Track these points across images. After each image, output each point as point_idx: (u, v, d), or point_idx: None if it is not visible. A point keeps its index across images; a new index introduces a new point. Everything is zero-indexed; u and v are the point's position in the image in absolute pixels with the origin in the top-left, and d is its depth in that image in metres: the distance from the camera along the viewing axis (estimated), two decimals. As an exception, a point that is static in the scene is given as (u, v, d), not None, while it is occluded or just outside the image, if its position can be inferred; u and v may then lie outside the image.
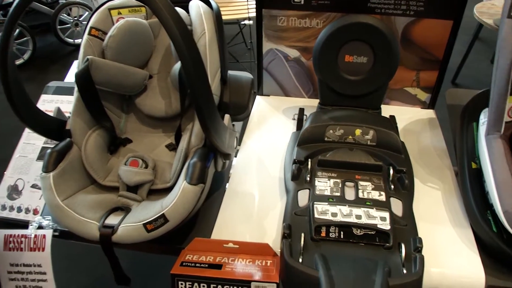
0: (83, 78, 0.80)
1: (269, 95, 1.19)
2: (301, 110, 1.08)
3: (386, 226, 0.74)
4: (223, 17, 2.26)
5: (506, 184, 0.73)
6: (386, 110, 1.09)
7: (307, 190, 0.82)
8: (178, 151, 0.80)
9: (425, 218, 0.84)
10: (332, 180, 0.83)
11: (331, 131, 0.91)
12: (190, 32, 0.60)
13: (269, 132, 1.06)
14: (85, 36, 0.84)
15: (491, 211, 0.77)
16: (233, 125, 0.90)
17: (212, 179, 0.84)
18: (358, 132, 0.91)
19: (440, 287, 0.76)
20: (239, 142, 1.02)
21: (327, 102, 1.00)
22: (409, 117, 1.11)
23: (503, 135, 0.78)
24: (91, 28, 0.85)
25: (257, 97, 1.18)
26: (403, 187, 0.83)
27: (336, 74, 0.96)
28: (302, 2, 1.01)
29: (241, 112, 0.87)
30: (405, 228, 0.76)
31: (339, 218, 0.75)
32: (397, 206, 0.80)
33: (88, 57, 0.80)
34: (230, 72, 0.90)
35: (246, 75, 0.90)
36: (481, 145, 0.81)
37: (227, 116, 0.81)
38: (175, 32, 0.58)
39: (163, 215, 0.70)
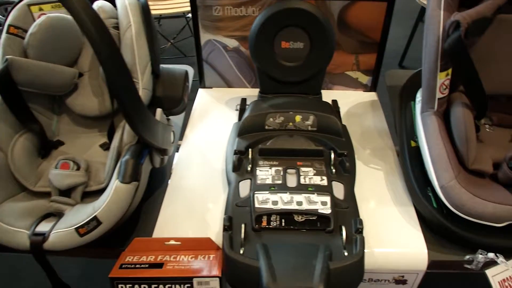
0: (3, 79, 0.75)
1: (211, 87, 1.17)
2: (243, 100, 1.06)
3: (326, 210, 0.73)
4: (167, 11, 2.23)
5: (441, 159, 0.74)
6: (329, 95, 1.09)
7: (249, 180, 0.81)
8: (111, 149, 0.76)
9: (369, 199, 0.84)
10: (273, 168, 0.82)
11: (271, 119, 0.90)
12: (106, 26, 0.57)
13: (212, 124, 1.04)
14: (3, 35, 0.79)
15: (431, 187, 0.78)
16: (168, 119, 0.87)
17: (150, 176, 0.81)
18: (298, 118, 0.90)
19: (384, 266, 0.76)
20: (181, 136, 1.00)
21: (267, 90, 0.99)
22: (352, 101, 1.11)
23: (437, 112, 0.79)
24: (9, 26, 0.80)
25: (199, 90, 1.16)
26: (344, 170, 0.83)
27: (273, 61, 0.94)
28: (244, -10, 0.99)
29: (176, 106, 0.84)
30: (347, 210, 0.76)
31: (280, 206, 0.74)
32: (338, 189, 0.79)
33: (7, 57, 0.76)
34: (163, 66, 0.87)
35: (179, 68, 0.88)
36: (417, 123, 0.82)
37: (158, 111, 0.79)
38: (87, 26, 0.55)
39: (95, 218, 0.67)
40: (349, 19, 1.03)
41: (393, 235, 0.78)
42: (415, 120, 0.86)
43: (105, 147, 0.84)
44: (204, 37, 1.08)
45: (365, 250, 0.70)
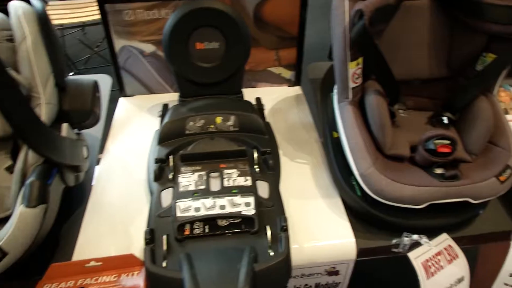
0: None
1: (133, 95, 1.13)
2: (165, 106, 1.03)
3: (250, 211, 0.72)
4: (84, 19, 2.13)
5: (359, 148, 0.74)
6: (253, 93, 1.08)
7: (171, 189, 0.78)
8: (15, 172, 0.71)
9: (296, 194, 0.84)
10: (196, 174, 0.80)
11: (191, 123, 0.87)
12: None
13: (135, 134, 1.00)
14: None
15: (354, 176, 0.78)
16: (79, 133, 0.83)
17: (67, 195, 0.77)
18: (219, 120, 0.88)
19: (315, 260, 0.76)
20: (101, 149, 0.95)
21: (187, 93, 0.97)
22: (276, 97, 1.11)
23: (352, 101, 0.79)
24: None
25: (120, 99, 1.11)
26: (268, 168, 0.82)
27: (189, 63, 0.92)
28: (146, -8, 0.96)
29: (86, 119, 0.79)
30: (272, 209, 0.74)
31: (202, 212, 0.72)
32: (263, 188, 0.78)
33: None
34: (70, 77, 0.82)
35: (88, 78, 0.83)
36: (336, 113, 0.82)
37: (64, 126, 0.74)
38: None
39: None
40: (265, 15, 1.02)
41: (322, 228, 0.78)
42: (334, 111, 0.86)
43: (11, 170, 0.78)
44: (119, 43, 1.03)
45: (294, 246, 0.69)
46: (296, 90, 1.14)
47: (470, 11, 0.79)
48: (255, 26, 1.03)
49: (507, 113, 0.94)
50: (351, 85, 0.77)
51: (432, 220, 0.77)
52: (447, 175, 0.73)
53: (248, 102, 0.96)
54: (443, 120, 0.84)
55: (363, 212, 0.79)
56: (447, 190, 0.72)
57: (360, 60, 0.76)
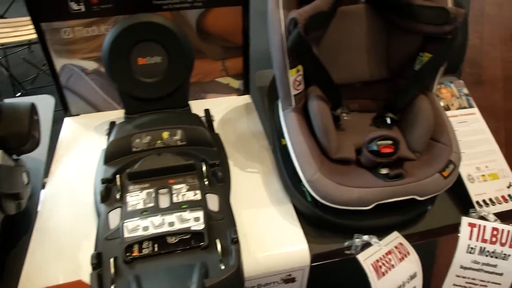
0: None
1: (79, 115, 1.10)
2: (112, 124, 1.01)
3: (199, 226, 0.71)
4: (28, 37, 2.06)
5: (304, 154, 0.75)
6: (203, 105, 1.07)
7: (119, 209, 0.76)
8: None
9: (248, 204, 0.83)
10: (144, 191, 0.78)
11: (137, 140, 0.86)
12: None
13: (81, 155, 0.97)
14: None
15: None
16: (17, 159, 0.80)
17: (10, 225, 0.74)
18: (165, 135, 0.87)
19: (269, 269, 0.75)
20: (46, 173, 0.92)
21: (132, 110, 0.95)
22: (226, 107, 1.10)
23: (296, 108, 0.79)
24: None
25: (65, 119, 1.08)
26: (218, 180, 0.81)
27: (132, 79, 0.90)
28: (83, 10, 0.94)
29: (24, 143, 0.77)
30: (222, 222, 0.74)
31: (151, 231, 0.70)
32: (213, 201, 0.77)
33: None
34: (6, 100, 0.79)
35: (24, 101, 0.80)
36: (281, 121, 0.82)
37: (-2, 153, 0.71)
38: None
39: None
40: (207, 26, 1.01)
41: (274, 236, 0.78)
42: (280, 118, 0.87)
43: None
44: (59, 62, 1.00)
45: (247, 257, 0.68)
46: (246, 99, 1.14)
47: (404, 14, 0.81)
48: (199, 37, 1.02)
49: (448, 109, 0.97)
50: (293, 92, 0.78)
51: (382, 219, 0.78)
52: (391, 174, 0.74)
53: (195, 115, 0.95)
54: (386, 120, 0.85)
55: (314, 217, 0.79)
56: (393, 189, 0.73)
57: (300, 67, 0.77)
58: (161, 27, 0.87)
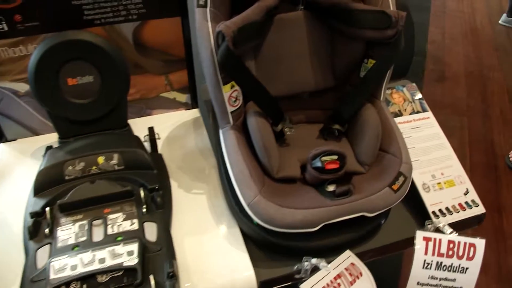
0: None
1: (15, 139, 1.02)
2: (48, 149, 0.94)
3: (133, 261, 0.65)
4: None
5: (243, 176, 0.70)
6: (148, 122, 1.01)
7: (48, 246, 0.69)
8: None
9: (191, 229, 0.78)
10: (77, 224, 0.72)
11: (70, 167, 0.79)
12: None
13: (16, 184, 0.90)
14: None
15: (248, 205, 0.74)
16: None
17: None
18: (101, 160, 0.81)
19: (214, 301, 0.70)
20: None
21: (66, 134, 0.88)
22: (173, 123, 1.05)
23: (234, 125, 0.74)
24: None
25: (0, 145, 1.01)
26: (157, 206, 0.76)
27: (62, 101, 0.84)
28: (6, 29, 0.87)
29: None
30: (159, 253, 0.68)
31: (79, 270, 0.64)
32: (151, 230, 0.72)
33: None
34: None
35: None
36: (220, 139, 0.77)
37: None
38: None
39: None
40: (146, 40, 0.95)
41: (219, 264, 0.73)
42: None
43: None
44: (-13, 86, 0.93)
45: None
46: (194, 113, 1.08)
47: (344, 20, 0.77)
48: (137, 52, 0.96)
49: (400, 114, 0.93)
50: (230, 109, 0.73)
51: (333, 238, 0.74)
52: (338, 192, 0.70)
53: (134, 136, 0.89)
54: (334, 132, 0.81)
55: (262, 241, 0.74)
56: (340, 208, 0.69)
57: (234, 82, 0.72)
58: (90, 45, 0.81)
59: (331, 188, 0.71)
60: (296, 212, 0.67)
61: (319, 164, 0.70)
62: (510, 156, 1.81)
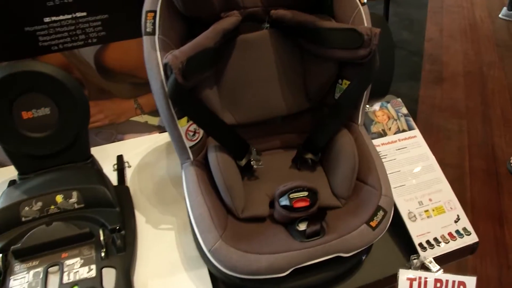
0: None
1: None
2: (11, 184, 0.89)
3: (85, 315, 0.59)
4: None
5: (203, 220, 0.63)
6: (119, 148, 0.96)
7: (-3, 299, 0.64)
8: None
9: (157, 272, 0.73)
10: (32, 272, 0.67)
11: (27, 208, 0.74)
12: None
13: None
14: None
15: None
16: None
17: None
18: (59, 198, 0.75)
19: None
20: None
21: (26, 169, 0.82)
22: (145, 148, 0.99)
23: (196, 161, 0.68)
24: None
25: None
26: (117, 249, 0.70)
27: (17, 136, 0.78)
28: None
29: None
30: None
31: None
32: (110, 277, 0.66)
33: None
34: None
35: None
36: (182, 176, 0.71)
37: None
38: None
39: None
40: (109, 63, 0.90)
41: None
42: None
43: None
44: None
45: None
46: (167, 136, 1.02)
47: (313, 39, 0.71)
48: (102, 77, 0.91)
49: (385, 134, 0.86)
50: (188, 144, 0.66)
51: (308, 279, 0.67)
52: (309, 232, 0.63)
53: (96, 170, 0.83)
54: (307, 161, 0.75)
55: (231, 284, 0.68)
56: (310, 251, 0.62)
57: (191, 115, 0.66)
58: (43, 76, 0.75)
59: (302, 227, 0.65)
60: (261, 257, 0.61)
61: (287, 202, 0.64)
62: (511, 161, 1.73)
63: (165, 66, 0.59)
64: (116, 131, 1.00)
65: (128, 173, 0.92)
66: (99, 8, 0.83)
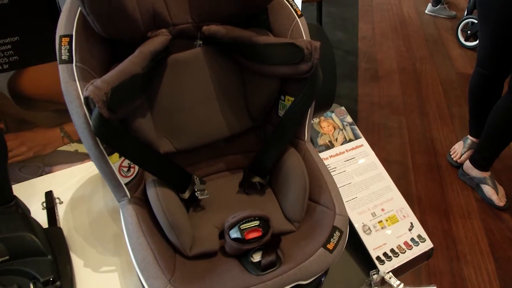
0: None
1: None
2: None
3: None
4: None
5: (147, 264, 0.57)
6: (47, 182, 0.88)
7: None
8: None
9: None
10: None
11: None
12: None
13: None
14: None
15: None
16: None
17: None
18: (-22, 252, 0.65)
19: None
20: None
21: None
22: (78, 179, 0.90)
23: (133, 198, 0.61)
24: None
25: None
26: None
27: None
28: None
29: None
30: None
31: None
32: None
33: None
34: None
35: None
36: (120, 214, 0.64)
37: None
38: None
39: None
40: (25, 90, 0.80)
41: None
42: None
43: None
44: None
45: None
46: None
47: (250, 56, 0.66)
48: (19, 106, 0.81)
49: (332, 146, 0.83)
50: (124, 180, 0.59)
51: None
52: (264, 264, 0.59)
53: (20, 215, 0.74)
54: (255, 185, 0.70)
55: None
56: (268, 285, 0.57)
57: (124, 149, 0.59)
58: None
59: (256, 258, 0.60)
60: (215, 299, 0.55)
61: (238, 234, 0.59)
62: (451, 153, 1.78)
63: (86, 99, 0.52)
64: (43, 163, 0.90)
65: (60, 210, 0.83)
66: (7, 30, 0.74)
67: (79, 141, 0.91)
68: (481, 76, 1.59)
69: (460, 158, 1.73)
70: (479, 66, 1.59)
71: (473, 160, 1.62)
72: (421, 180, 1.63)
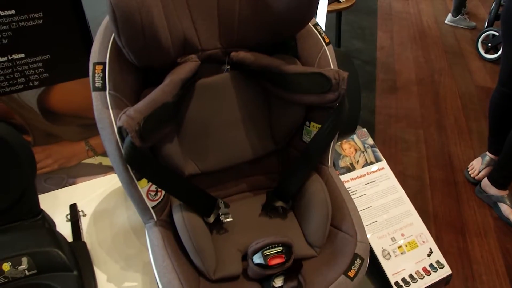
0: None
1: None
2: None
3: None
4: None
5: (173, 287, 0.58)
6: (71, 194, 0.89)
7: None
8: None
9: None
10: None
11: (-32, 282, 0.66)
12: None
13: None
14: None
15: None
16: None
17: None
18: (6, 267, 0.67)
19: None
20: None
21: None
22: (102, 192, 0.92)
23: (159, 221, 0.63)
24: None
25: None
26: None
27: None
28: None
29: None
30: None
31: None
32: None
33: None
34: None
35: None
36: (146, 236, 0.65)
37: None
38: None
39: None
40: (54, 106, 0.82)
41: None
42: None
43: None
44: None
45: None
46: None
47: (278, 83, 0.67)
48: (47, 120, 0.83)
49: (353, 168, 0.84)
50: (151, 204, 0.61)
51: None
52: (286, 288, 0.60)
53: (47, 230, 0.75)
54: (278, 209, 0.71)
55: None
56: (289, 311, 0.59)
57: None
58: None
59: (278, 283, 0.61)
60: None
61: (261, 260, 0.60)
62: (469, 169, 1.76)
63: (120, 129, 0.53)
64: (67, 175, 0.93)
65: (84, 222, 0.85)
66: (39, 49, 0.76)
67: (103, 154, 0.93)
68: (503, 95, 1.57)
69: (478, 174, 1.72)
70: (501, 84, 1.56)
71: (491, 178, 1.61)
72: (437, 196, 1.62)
